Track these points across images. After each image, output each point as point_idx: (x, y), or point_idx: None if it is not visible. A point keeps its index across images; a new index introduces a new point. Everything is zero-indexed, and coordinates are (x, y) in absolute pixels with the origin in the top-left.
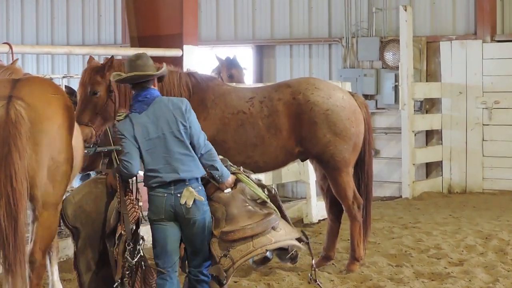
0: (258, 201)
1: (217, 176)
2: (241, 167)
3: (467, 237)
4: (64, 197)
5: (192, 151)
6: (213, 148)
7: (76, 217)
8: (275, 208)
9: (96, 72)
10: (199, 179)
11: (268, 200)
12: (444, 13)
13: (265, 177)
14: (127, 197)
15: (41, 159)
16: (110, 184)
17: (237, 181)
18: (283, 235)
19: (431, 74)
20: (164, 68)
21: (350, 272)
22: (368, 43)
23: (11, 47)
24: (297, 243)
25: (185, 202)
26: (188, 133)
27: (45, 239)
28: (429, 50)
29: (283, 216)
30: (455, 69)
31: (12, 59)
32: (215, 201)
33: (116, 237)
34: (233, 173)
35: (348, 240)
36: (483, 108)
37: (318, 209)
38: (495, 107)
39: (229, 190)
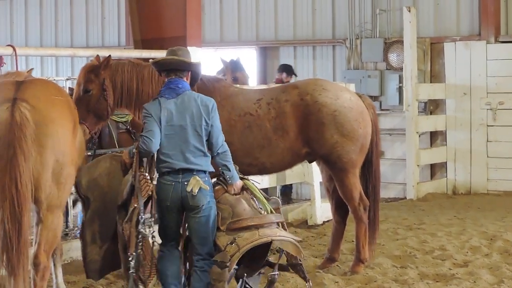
0: (262, 211)
1: (228, 176)
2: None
3: (472, 238)
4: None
5: (205, 148)
6: (229, 151)
7: (89, 188)
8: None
9: (90, 70)
10: (207, 173)
11: (272, 211)
12: (448, 14)
13: (269, 179)
14: (140, 172)
15: (46, 162)
16: (124, 162)
17: (243, 188)
18: (286, 234)
19: (435, 75)
20: (200, 64)
21: (355, 274)
22: (372, 44)
23: (14, 49)
24: (297, 244)
25: (191, 190)
26: (207, 131)
27: (50, 241)
28: (433, 51)
29: (284, 228)
30: (459, 70)
31: (16, 61)
32: (222, 203)
33: (130, 211)
34: (241, 179)
35: (353, 241)
36: (487, 109)
37: (322, 211)
38: (499, 108)
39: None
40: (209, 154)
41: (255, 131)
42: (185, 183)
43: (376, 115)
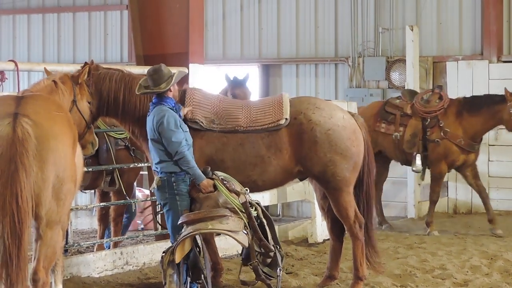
0: (229, 206)
1: (192, 178)
2: (221, 175)
3: (472, 258)
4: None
5: (162, 153)
6: (188, 155)
7: None
8: (244, 216)
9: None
10: (167, 173)
11: (239, 208)
12: (450, 33)
13: (270, 196)
14: None
15: (47, 177)
16: None
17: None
18: (228, 227)
19: None
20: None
21: None
22: (374, 63)
23: (16, 65)
24: (236, 237)
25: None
26: (159, 141)
27: (49, 257)
28: (435, 70)
29: (252, 223)
30: (461, 89)
31: (18, 76)
32: (196, 201)
33: None
34: (211, 179)
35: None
36: None
37: (323, 229)
38: (501, 127)
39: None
40: (165, 159)
41: (248, 149)
42: None
43: (368, 134)
